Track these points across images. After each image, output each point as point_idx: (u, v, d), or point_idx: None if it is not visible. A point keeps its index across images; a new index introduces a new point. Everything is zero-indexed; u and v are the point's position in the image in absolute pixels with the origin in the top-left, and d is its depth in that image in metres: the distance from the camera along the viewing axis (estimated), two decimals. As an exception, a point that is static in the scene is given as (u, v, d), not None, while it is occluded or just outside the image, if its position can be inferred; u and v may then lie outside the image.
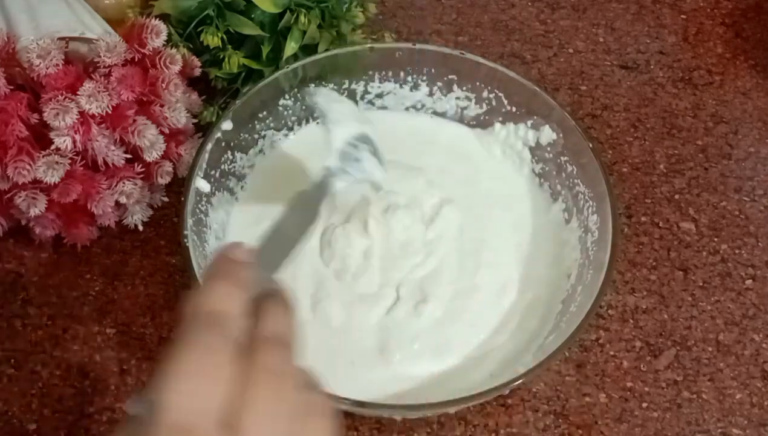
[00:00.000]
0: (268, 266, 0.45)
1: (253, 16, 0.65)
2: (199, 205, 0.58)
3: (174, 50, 0.60)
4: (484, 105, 0.66)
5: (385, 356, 0.56)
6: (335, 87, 0.66)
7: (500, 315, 0.58)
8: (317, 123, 0.66)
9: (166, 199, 0.64)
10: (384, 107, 0.68)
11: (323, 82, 0.65)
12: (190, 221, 0.56)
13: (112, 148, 0.58)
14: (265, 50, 0.66)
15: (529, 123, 0.64)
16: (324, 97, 0.58)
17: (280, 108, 0.64)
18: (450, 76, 0.66)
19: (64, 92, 0.55)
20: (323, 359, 0.55)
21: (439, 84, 0.66)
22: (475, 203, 0.63)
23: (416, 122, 0.67)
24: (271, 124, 0.64)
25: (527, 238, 0.62)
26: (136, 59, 0.58)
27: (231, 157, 0.62)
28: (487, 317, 0.58)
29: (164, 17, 0.62)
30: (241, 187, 0.63)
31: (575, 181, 0.61)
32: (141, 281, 0.62)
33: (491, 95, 0.65)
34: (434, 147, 0.66)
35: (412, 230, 0.61)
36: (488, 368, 0.56)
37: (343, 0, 0.67)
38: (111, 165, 0.58)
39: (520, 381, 0.52)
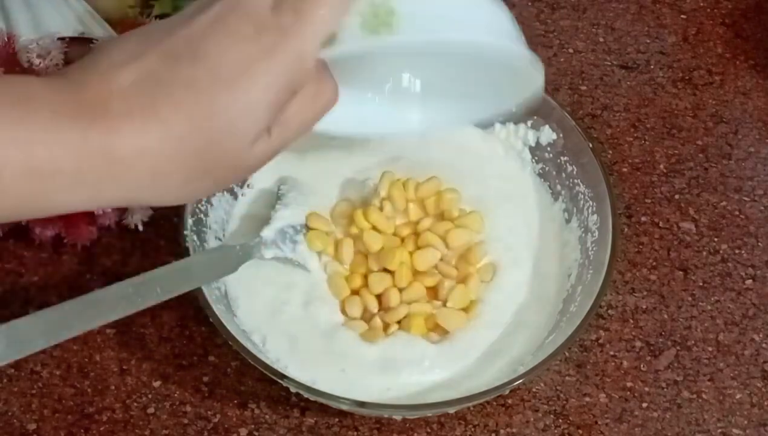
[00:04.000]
0: (164, 291, 0.50)
1: (253, 16, 0.65)
2: (199, 205, 0.58)
3: (174, 50, 0.60)
4: (484, 105, 0.66)
5: (389, 374, 0.55)
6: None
7: (513, 315, 0.58)
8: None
9: (166, 199, 0.64)
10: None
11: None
12: (190, 221, 0.56)
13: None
14: (265, 50, 0.65)
15: (529, 123, 0.64)
16: (290, 184, 0.61)
17: (280, 108, 0.64)
18: (450, 76, 0.66)
19: (64, 92, 0.55)
20: (319, 358, 0.56)
21: (440, 84, 0.66)
22: (486, 202, 0.62)
23: None
24: (271, 124, 0.64)
25: (536, 236, 0.62)
26: (136, 59, 0.58)
27: (231, 157, 0.61)
28: (501, 318, 0.58)
29: (164, 17, 0.62)
30: (247, 185, 0.63)
31: (575, 181, 0.61)
32: (141, 281, 0.62)
33: (491, 95, 0.65)
34: (442, 144, 0.65)
35: None
36: (497, 365, 0.56)
37: (343, 0, 0.67)
38: (111, 165, 0.58)
39: (520, 381, 0.52)
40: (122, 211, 0.62)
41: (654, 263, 0.65)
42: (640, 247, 0.66)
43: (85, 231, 0.62)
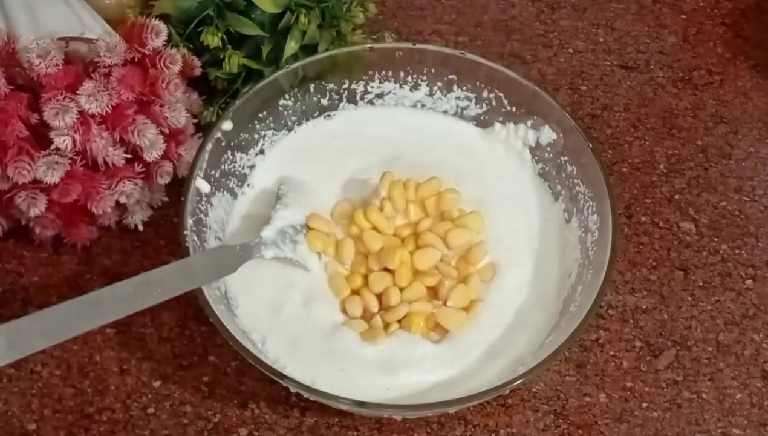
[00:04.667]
0: (164, 291, 0.50)
1: (253, 16, 0.65)
2: (199, 205, 0.58)
3: (174, 50, 0.60)
4: (484, 105, 0.66)
5: (389, 374, 0.55)
6: (335, 87, 0.66)
7: (513, 315, 0.58)
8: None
9: (166, 199, 0.64)
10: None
11: (323, 83, 0.65)
12: (190, 221, 0.56)
13: (110, 148, 0.58)
14: (265, 50, 0.66)
15: (529, 123, 0.64)
16: (290, 184, 0.61)
17: (280, 108, 0.64)
18: (450, 76, 0.66)
19: (63, 92, 0.55)
20: (319, 358, 0.56)
21: (439, 84, 0.66)
22: (486, 202, 0.62)
23: (423, 119, 0.67)
24: (271, 124, 0.64)
25: (536, 236, 0.62)
26: (136, 59, 0.58)
27: (231, 157, 0.62)
28: (502, 318, 0.57)
29: (164, 17, 0.62)
30: (248, 185, 0.63)
31: (575, 181, 0.61)
32: (141, 281, 0.62)
33: (491, 95, 0.65)
34: (442, 144, 0.66)
35: None
36: (498, 365, 0.56)
37: (343, 0, 0.67)
38: (111, 165, 0.58)
39: (520, 381, 0.52)
40: (122, 211, 0.62)
41: (654, 263, 0.65)
42: (640, 247, 0.66)
43: (85, 231, 0.62)
